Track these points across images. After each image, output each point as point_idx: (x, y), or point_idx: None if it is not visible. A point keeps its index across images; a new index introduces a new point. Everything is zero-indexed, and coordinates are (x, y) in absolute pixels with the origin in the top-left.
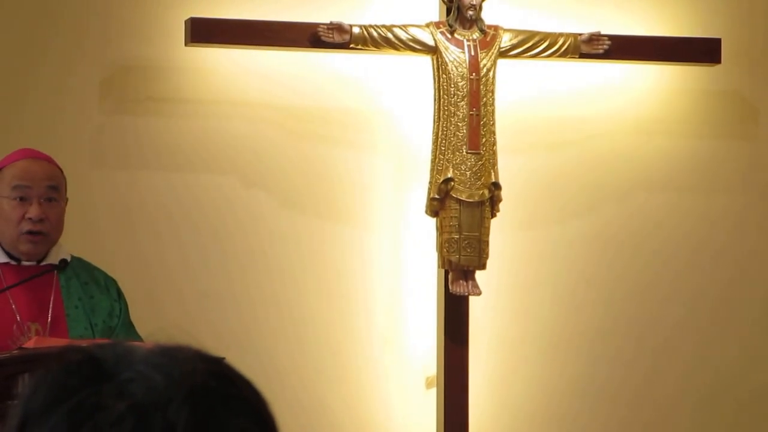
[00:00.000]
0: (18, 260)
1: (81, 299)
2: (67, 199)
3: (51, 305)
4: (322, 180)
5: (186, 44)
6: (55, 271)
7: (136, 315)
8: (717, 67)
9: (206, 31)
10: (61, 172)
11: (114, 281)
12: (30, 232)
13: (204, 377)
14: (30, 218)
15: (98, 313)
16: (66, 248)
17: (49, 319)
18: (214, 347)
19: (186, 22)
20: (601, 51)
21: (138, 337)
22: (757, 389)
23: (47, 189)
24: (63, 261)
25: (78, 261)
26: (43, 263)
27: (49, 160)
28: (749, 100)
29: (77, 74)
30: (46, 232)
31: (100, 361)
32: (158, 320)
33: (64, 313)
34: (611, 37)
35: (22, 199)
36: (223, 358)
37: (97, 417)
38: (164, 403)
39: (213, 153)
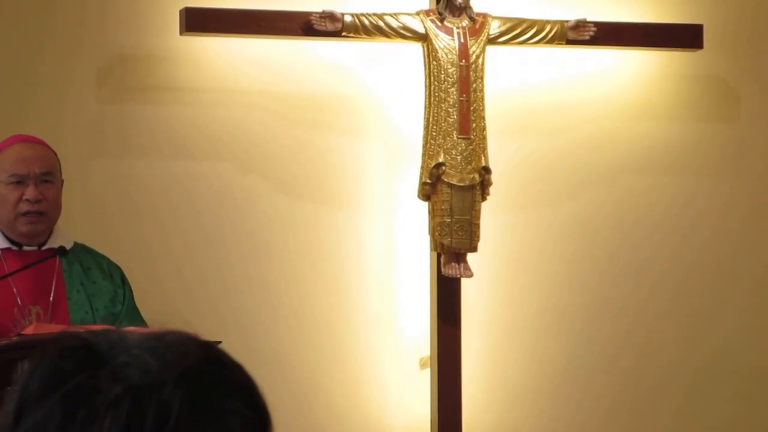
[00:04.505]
0: (19, 245)
1: (83, 284)
2: (62, 181)
3: (53, 289)
4: (316, 165)
5: (181, 33)
6: (57, 256)
7: (136, 300)
8: (700, 52)
9: (201, 21)
10: (55, 154)
11: (118, 267)
12: (28, 213)
13: (197, 360)
14: (27, 199)
15: (100, 298)
16: (69, 234)
17: (51, 302)
18: (213, 329)
19: (181, 11)
20: (587, 37)
21: (143, 322)
22: (747, 369)
23: (42, 172)
24: (62, 248)
25: (82, 247)
26: (45, 248)
27: (42, 143)
28: (731, 84)
29: (74, 64)
30: (44, 211)
31: (94, 347)
32: (158, 305)
33: (66, 296)
34: (597, 24)
35: (18, 182)
36: (219, 342)
37: (93, 400)
38: (159, 385)
39: (209, 140)
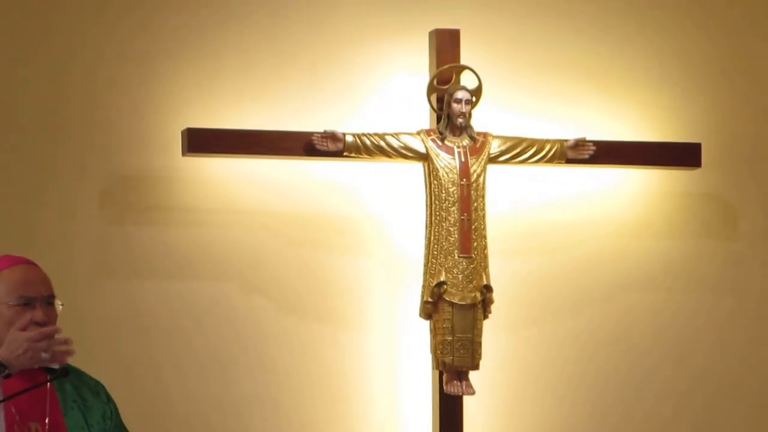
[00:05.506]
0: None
1: (76, 401)
2: (62, 304)
3: (48, 408)
4: (318, 284)
5: (183, 154)
6: (50, 376)
7: (140, 418)
8: (698, 171)
9: (203, 141)
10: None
11: (102, 385)
12: None
13: None
14: (37, 322)
15: (93, 414)
16: None
17: (47, 421)
18: None
19: (183, 132)
20: (586, 156)
21: None
22: None
23: (48, 294)
24: (64, 370)
25: (67, 366)
26: (37, 366)
27: (37, 265)
28: (729, 202)
29: (78, 185)
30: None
31: None
32: (162, 424)
33: (62, 414)
34: (596, 143)
35: (25, 304)
36: None
37: None
38: None
39: (212, 260)
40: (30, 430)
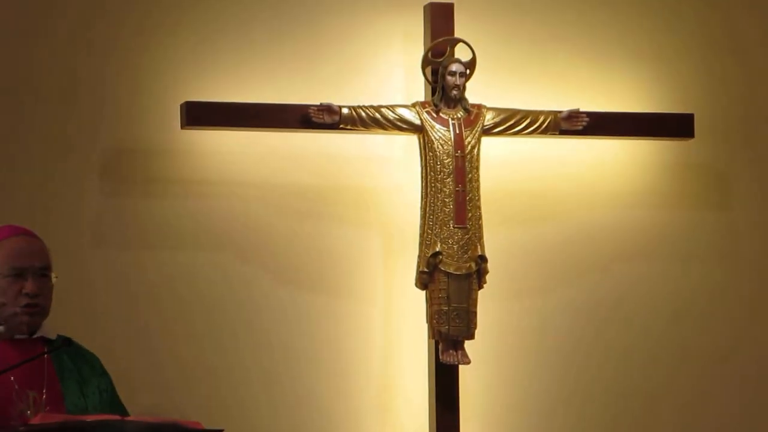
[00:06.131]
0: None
1: (71, 371)
2: (56, 276)
3: (45, 376)
4: (314, 255)
5: (182, 127)
6: (49, 347)
7: (135, 390)
8: (691, 141)
9: (201, 115)
10: (47, 248)
11: (97, 358)
12: (28, 306)
13: None
14: (27, 293)
15: (88, 385)
16: (52, 326)
17: (45, 390)
18: (213, 418)
19: (181, 105)
20: (580, 127)
21: (125, 412)
22: None
23: (41, 266)
24: (65, 340)
25: (63, 338)
26: (35, 336)
27: (37, 237)
28: (722, 172)
29: (77, 157)
30: (42, 305)
31: None
32: (157, 395)
33: (59, 383)
34: (590, 114)
35: (17, 275)
36: (221, 430)
37: None
38: None
39: (209, 231)
40: (28, 398)
